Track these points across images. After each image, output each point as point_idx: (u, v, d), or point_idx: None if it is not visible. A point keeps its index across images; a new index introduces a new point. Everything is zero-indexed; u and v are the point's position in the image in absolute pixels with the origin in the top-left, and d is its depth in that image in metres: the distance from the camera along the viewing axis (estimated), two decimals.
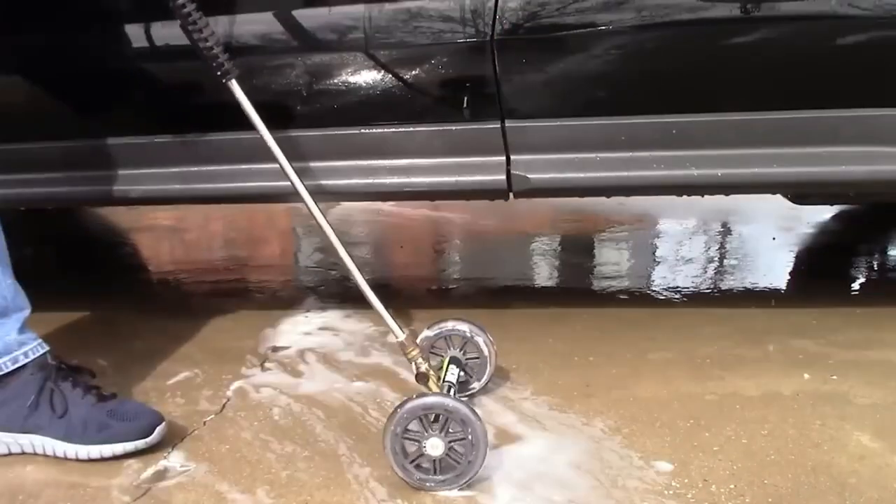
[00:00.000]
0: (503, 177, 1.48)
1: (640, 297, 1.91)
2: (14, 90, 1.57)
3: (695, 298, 1.89)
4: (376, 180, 1.52)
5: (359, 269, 1.23)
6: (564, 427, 1.26)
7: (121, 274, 2.38)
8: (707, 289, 1.97)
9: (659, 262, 2.28)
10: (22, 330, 1.22)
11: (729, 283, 2.03)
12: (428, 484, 1.08)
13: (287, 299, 1.98)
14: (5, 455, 1.21)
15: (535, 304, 1.89)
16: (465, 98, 1.44)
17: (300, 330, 1.73)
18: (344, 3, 1.43)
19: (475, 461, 1.07)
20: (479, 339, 1.35)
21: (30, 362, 1.21)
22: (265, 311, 1.86)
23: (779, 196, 2.27)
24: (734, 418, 1.27)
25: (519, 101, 1.44)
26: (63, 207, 2.74)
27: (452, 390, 1.21)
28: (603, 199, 2.23)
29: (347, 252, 1.24)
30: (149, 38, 1.50)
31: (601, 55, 1.40)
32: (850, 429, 1.23)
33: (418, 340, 1.29)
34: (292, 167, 1.25)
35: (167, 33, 1.48)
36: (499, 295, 2.00)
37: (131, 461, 1.18)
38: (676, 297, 1.90)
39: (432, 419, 1.06)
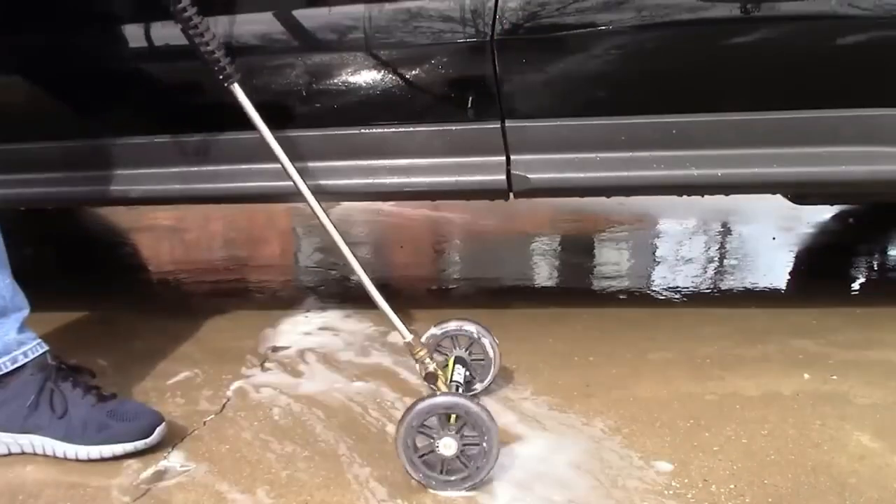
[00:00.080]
0: (503, 177, 1.48)
1: (640, 297, 1.91)
2: (14, 90, 1.57)
3: (695, 298, 1.89)
4: (376, 180, 1.52)
5: (364, 270, 1.23)
6: (564, 427, 1.26)
7: (121, 274, 2.38)
8: (707, 289, 1.97)
9: (659, 262, 2.28)
10: (21, 330, 1.22)
11: (729, 283, 2.03)
12: (433, 483, 1.08)
13: (287, 299, 1.98)
14: (5, 455, 1.21)
15: (535, 304, 1.89)
16: (470, 98, 1.44)
17: (300, 330, 1.73)
18: (344, 3, 1.43)
19: (483, 468, 1.07)
20: (486, 341, 1.35)
21: (29, 362, 1.21)
22: (265, 311, 1.86)
23: (779, 196, 2.27)
24: (734, 418, 1.27)
25: (519, 101, 1.44)
26: (63, 207, 2.74)
27: (460, 390, 1.21)
28: (603, 199, 2.23)
29: (352, 253, 1.24)
30: (148, 38, 1.50)
31: (601, 55, 1.40)
32: (850, 429, 1.23)
33: (424, 339, 1.28)
34: (295, 168, 1.25)
35: (167, 33, 1.48)
36: (499, 295, 2.00)
37: (131, 461, 1.18)
38: (676, 297, 1.90)
39: (451, 420, 1.06)
